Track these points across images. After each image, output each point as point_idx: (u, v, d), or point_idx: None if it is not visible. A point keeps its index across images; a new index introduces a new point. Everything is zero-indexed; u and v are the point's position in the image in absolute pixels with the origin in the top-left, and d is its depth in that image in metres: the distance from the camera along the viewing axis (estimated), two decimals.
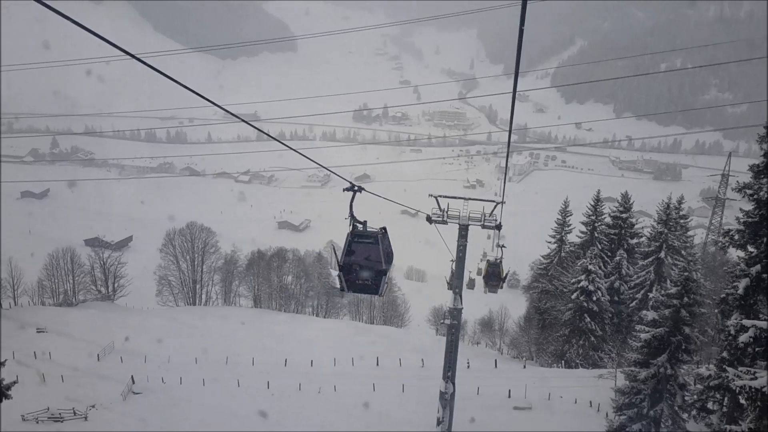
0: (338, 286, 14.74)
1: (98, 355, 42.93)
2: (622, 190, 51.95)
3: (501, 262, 28.05)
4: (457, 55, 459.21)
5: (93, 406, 34.40)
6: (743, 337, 11.86)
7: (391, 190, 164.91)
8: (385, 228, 14.28)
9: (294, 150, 11.89)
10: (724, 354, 18.60)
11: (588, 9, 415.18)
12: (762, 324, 11.59)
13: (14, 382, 16.90)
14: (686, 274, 24.18)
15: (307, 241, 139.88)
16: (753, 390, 11.43)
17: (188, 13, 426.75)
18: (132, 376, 37.49)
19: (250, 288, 78.22)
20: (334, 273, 16.08)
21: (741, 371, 12.91)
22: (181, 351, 44.09)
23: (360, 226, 13.82)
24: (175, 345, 45.90)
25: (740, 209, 18.52)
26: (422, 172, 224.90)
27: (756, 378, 11.49)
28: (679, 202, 48.20)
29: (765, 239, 14.00)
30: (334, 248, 13.94)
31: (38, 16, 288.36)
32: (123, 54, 6.54)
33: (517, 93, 9.05)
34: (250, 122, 10.70)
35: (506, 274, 28.04)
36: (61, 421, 32.30)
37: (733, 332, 14.48)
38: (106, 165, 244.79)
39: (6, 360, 17.26)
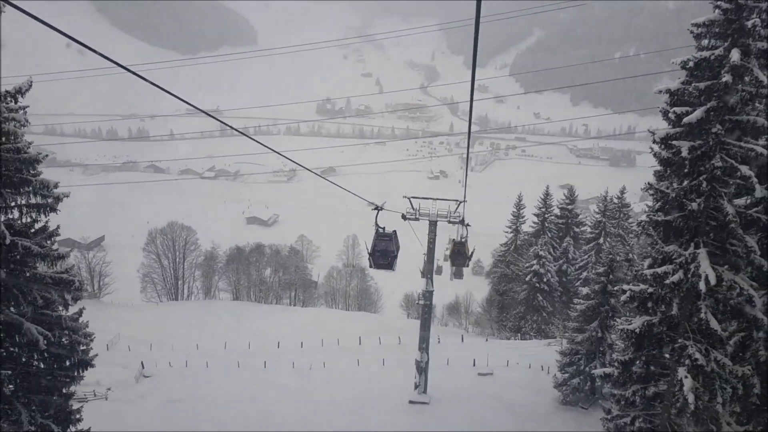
0: (369, 265, 22.62)
1: (107, 345, 47.33)
2: (579, 178, 58.42)
3: (466, 241, 31.89)
4: (419, 47, 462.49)
5: (110, 389, 38.94)
6: (623, 297, 17.50)
7: (356, 183, 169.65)
8: (395, 230, 21.37)
9: (262, 144, 12.41)
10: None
11: None
12: (635, 288, 17.24)
13: (96, 355, 21.79)
14: (611, 256, 30.19)
15: (277, 235, 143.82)
16: (629, 331, 17.23)
17: (146, 8, 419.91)
18: (142, 362, 42.07)
19: (230, 282, 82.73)
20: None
21: (623, 320, 18.79)
22: (180, 339, 48.70)
23: (381, 230, 20.91)
24: (173, 335, 50.48)
25: (646, 205, 24.15)
26: (387, 163, 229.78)
27: (631, 323, 17.30)
28: (622, 193, 54.95)
29: (661, 228, 19.00)
30: (366, 242, 21.72)
31: None
32: (85, 52, 7.39)
33: (475, 85, 9.67)
34: (224, 120, 12.24)
35: (472, 252, 31.82)
36: (86, 401, 36.78)
37: (619, 295, 20.29)
38: (68, 165, 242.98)
39: (94, 336, 22.10)
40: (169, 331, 51.76)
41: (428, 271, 33.41)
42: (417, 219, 32.53)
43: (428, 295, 33.53)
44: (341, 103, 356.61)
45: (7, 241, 17.27)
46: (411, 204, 32.53)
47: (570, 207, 54.34)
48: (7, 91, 18.23)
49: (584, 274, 48.04)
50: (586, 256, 49.57)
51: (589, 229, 52.76)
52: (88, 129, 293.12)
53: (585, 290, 31.46)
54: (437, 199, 32.94)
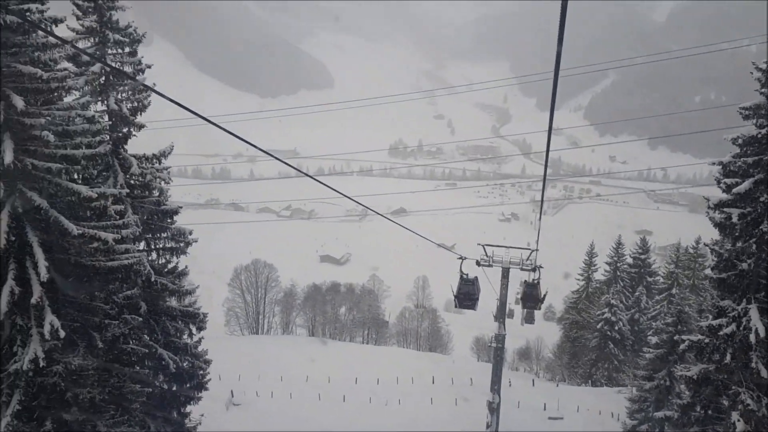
0: (455, 305, 27.55)
1: None
2: (657, 224, 59.22)
3: (538, 282, 31.80)
4: (491, 89, 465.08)
5: (203, 415, 42.45)
6: (682, 346, 19.26)
7: (426, 224, 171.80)
8: (476, 276, 25.11)
9: (333, 189, 13.01)
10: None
11: (620, 41, 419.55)
12: (693, 338, 18.99)
13: (210, 380, 25.20)
14: (679, 307, 31.46)
15: (349, 273, 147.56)
16: (688, 378, 18.92)
17: (230, 54, 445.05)
18: (231, 391, 45.63)
19: (307, 319, 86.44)
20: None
21: (682, 367, 20.39)
22: (265, 371, 52.14)
23: (465, 275, 25.04)
24: (259, 366, 53.94)
25: (712, 259, 25.53)
26: (457, 205, 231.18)
27: (690, 370, 18.98)
28: (697, 243, 55.29)
29: (717, 284, 20.50)
30: (452, 286, 26.10)
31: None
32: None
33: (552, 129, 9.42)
34: (287, 161, 11.85)
35: (544, 295, 31.45)
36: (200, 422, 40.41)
37: (679, 344, 21.87)
38: None
39: (211, 361, 25.60)
40: (255, 363, 55.25)
41: (501, 315, 35.42)
42: (491, 265, 34.70)
43: (501, 338, 35.35)
44: (413, 143, 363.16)
45: (152, 279, 20.96)
46: (485, 251, 34.85)
47: (643, 257, 55.10)
48: (153, 155, 22.24)
49: (656, 323, 48.51)
50: (658, 306, 50.10)
51: (661, 279, 53.30)
52: (175, 169, 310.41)
53: (654, 339, 32.67)
54: (510, 247, 35.11)
